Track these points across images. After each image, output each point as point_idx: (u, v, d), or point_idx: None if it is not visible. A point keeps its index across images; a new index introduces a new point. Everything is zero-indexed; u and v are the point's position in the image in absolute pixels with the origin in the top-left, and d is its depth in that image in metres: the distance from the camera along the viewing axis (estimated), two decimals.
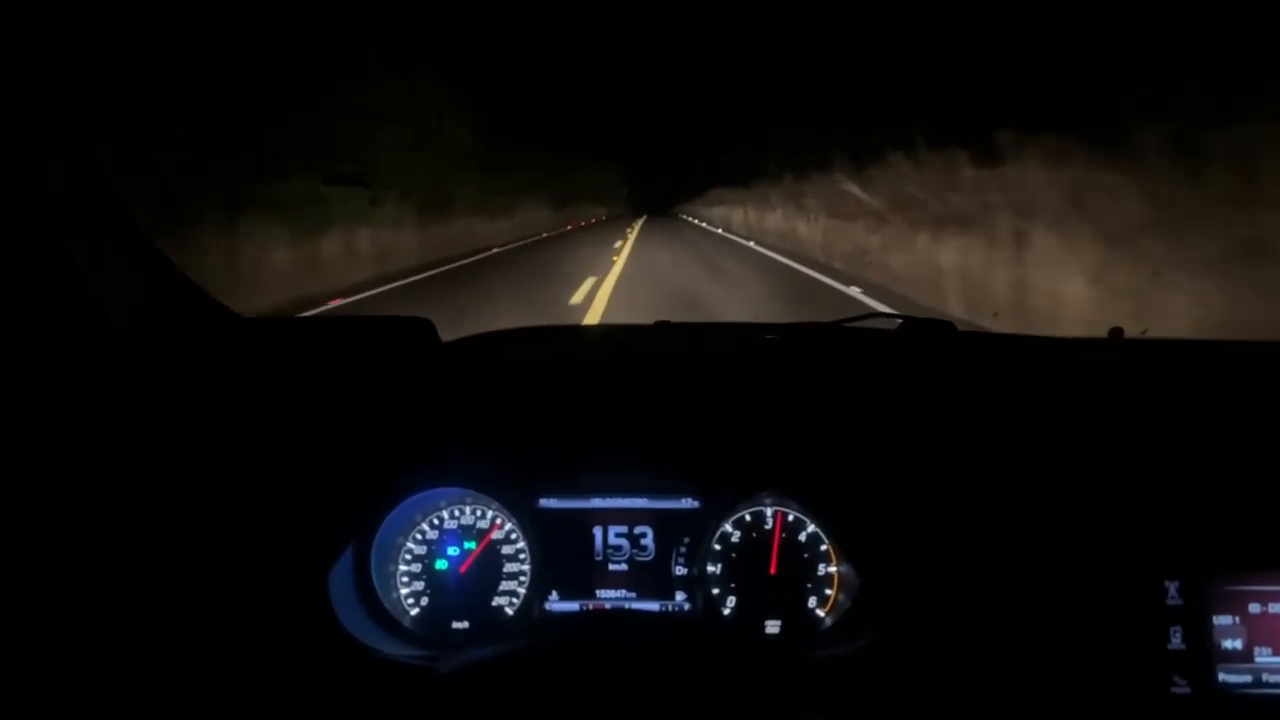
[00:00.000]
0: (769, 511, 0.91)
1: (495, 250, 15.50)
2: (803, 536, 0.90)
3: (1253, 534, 0.79)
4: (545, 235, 21.80)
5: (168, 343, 0.85)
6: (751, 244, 15.81)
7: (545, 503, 0.91)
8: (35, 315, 0.75)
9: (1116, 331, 1.17)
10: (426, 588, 0.91)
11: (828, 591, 0.90)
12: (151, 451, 0.79)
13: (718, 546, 0.90)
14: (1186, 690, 0.75)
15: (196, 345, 0.89)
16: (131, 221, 0.85)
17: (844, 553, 0.88)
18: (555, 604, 0.90)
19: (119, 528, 0.75)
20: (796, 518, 0.91)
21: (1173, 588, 0.77)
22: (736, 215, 20.76)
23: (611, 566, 0.90)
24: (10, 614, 0.70)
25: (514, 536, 0.91)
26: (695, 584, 0.89)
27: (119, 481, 0.76)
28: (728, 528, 0.91)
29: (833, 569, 0.90)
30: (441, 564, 0.91)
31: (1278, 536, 0.79)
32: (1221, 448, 0.83)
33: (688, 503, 0.91)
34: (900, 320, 1.17)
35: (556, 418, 0.94)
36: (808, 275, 9.64)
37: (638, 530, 0.91)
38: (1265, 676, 0.77)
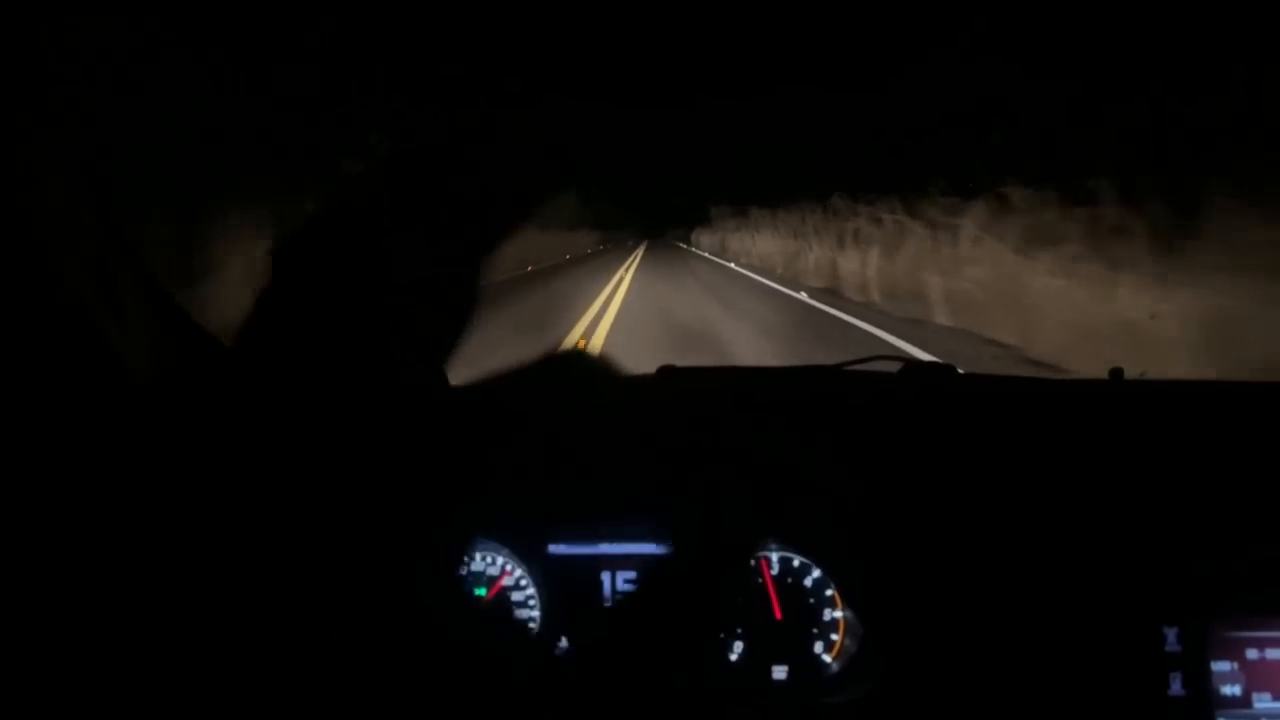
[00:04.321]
0: (775, 557, 0.93)
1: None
2: (809, 581, 0.92)
3: (1251, 580, 0.81)
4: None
5: (181, 391, 0.87)
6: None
7: (554, 549, 0.92)
8: (50, 362, 0.77)
9: (1116, 372, 1.19)
10: None
11: (834, 637, 0.91)
12: (164, 501, 0.80)
13: None
14: None
15: (209, 393, 0.91)
16: (145, 265, 0.87)
17: (847, 598, 0.90)
18: (560, 647, 0.91)
19: (130, 574, 0.77)
20: (802, 563, 0.92)
21: (1171, 634, 0.78)
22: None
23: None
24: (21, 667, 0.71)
25: (524, 583, 0.93)
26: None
27: (135, 530, 0.78)
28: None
29: (839, 614, 0.91)
30: None
31: (1276, 582, 0.80)
32: (1220, 492, 0.84)
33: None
34: (902, 363, 1.20)
35: (565, 465, 0.96)
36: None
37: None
38: None
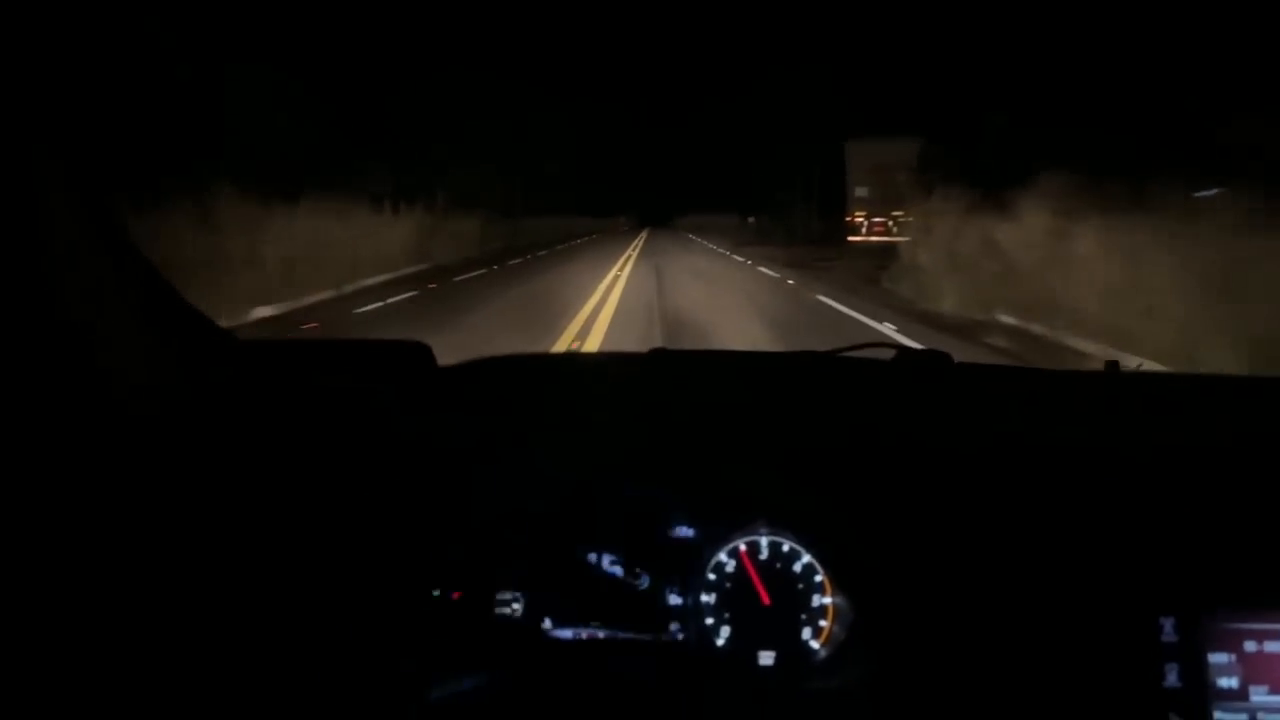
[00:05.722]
0: (764, 541, 0.91)
1: None
2: (797, 567, 0.90)
3: (1249, 571, 0.79)
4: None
5: (179, 398, 0.80)
6: None
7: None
8: (51, 365, 0.70)
9: (1112, 365, 1.18)
10: None
11: (822, 623, 0.89)
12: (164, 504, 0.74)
13: (712, 576, 0.90)
14: None
15: (205, 392, 0.83)
16: (135, 250, 0.82)
17: (839, 584, 0.88)
18: (550, 631, 0.89)
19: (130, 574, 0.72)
20: (792, 548, 0.90)
21: (1168, 625, 0.76)
22: None
23: (606, 594, 0.90)
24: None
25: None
26: (689, 614, 0.89)
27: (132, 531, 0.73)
28: (722, 557, 0.90)
29: (827, 600, 0.89)
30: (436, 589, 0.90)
31: (1274, 574, 0.79)
32: (1218, 484, 0.83)
33: (682, 531, 0.90)
34: (896, 350, 1.18)
35: (552, 445, 0.94)
36: None
37: (633, 558, 0.90)
38: (1261, 715, 0.76)
